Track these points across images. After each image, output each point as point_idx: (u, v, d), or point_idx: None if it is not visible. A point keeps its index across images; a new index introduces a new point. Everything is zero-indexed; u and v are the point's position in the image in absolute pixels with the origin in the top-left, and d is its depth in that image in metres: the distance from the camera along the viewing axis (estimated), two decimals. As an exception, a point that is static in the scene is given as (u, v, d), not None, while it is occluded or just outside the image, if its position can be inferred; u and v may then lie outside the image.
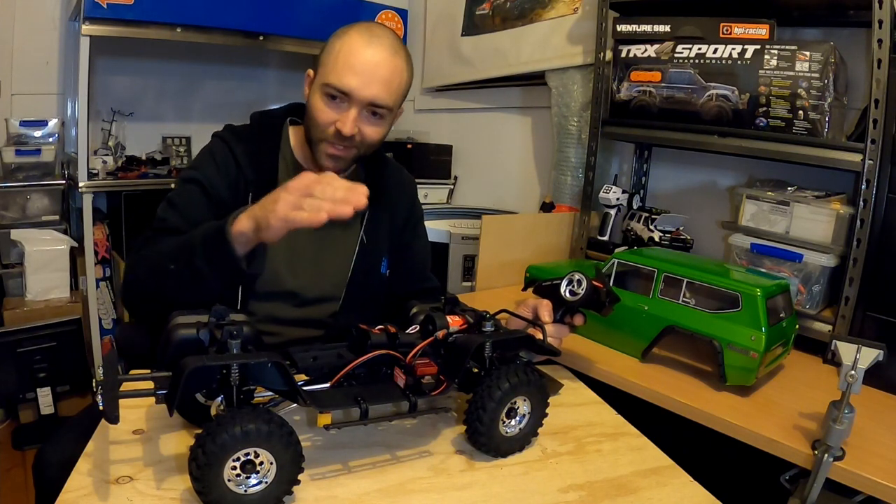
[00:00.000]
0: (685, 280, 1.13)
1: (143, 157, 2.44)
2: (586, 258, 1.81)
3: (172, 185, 2.21)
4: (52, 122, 2.29)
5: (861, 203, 1.23)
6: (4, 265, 2.15)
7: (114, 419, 0.62)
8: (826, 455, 0.83)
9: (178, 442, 0.77)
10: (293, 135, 1.16)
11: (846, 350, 0.82)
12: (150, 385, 0.67)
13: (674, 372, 1.15)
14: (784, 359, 1.17)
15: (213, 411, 0.70)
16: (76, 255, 2.23)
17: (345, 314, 1.14)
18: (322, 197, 0.78)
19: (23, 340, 1.99)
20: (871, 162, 1.21)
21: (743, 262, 1.44)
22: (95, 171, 2.16)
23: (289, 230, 0.80)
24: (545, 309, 0.99)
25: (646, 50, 1.56)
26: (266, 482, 0.64)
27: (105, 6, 1.94)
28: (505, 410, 0.79)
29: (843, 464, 0.85)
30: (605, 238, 1.80)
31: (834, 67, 1.27)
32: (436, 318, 0.84)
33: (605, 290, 0.96)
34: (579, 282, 0.97)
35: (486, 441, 0.79)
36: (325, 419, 0.71)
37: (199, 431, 0.62)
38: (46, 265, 2.13)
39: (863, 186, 1.22)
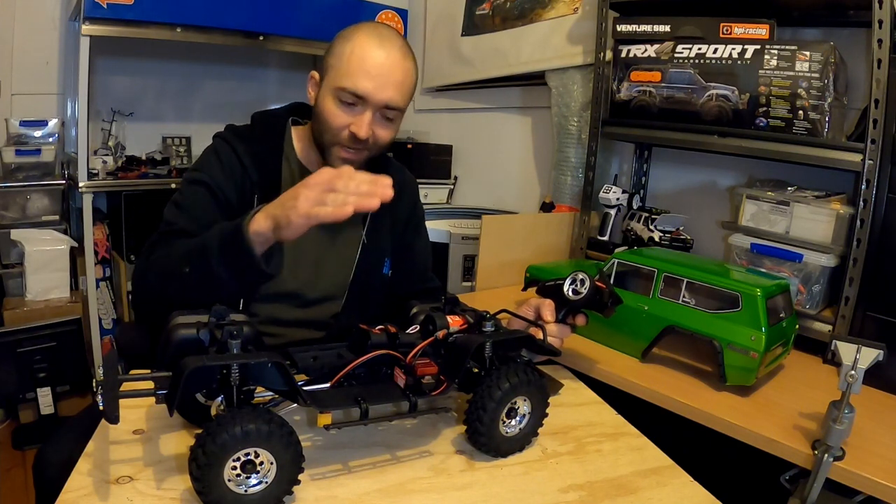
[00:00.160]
0: (685, 280, 1.13)
1: (143, 157, 2.44)
2: (586, 258, 1.81)
3: (173, 185, 2.25)
4: (52, 122, 2.29)
5: (861, 203, 1.23)
6: (4, 265, 2.15)
7: (114, 419, 0.62)
8: (826, 455, 0.83)
9: (178, 442, 0.77)
10: (296, 135, 1.16)
11: (846, 350, 0.82)
12: (150, 385, 0.67)
13: (674, 372, 1.15)
14: (784, 359, 1.17)
15: (213, 411, 0.70)
16: (76, 255, 2.23)
17: (346, 315, 1.14)
18: (345, 191, 0.77)
19: (23, 340, 1.99)
20: (871, 162, 1.21)
21: (743, 262, 1.44)
22: (95, 171, 2.16)
23: (310, 227, 0.79)
24: (547, 308, 0.99)
25: (646, 50, 1.56)
26: (266, 482, 0.64)
27: (105, 6, 1.94)
28: (505, 410, 0.79)
29: (843, 464, 0.85)
30: (605, 238, 1.80)
31: (834, 67, 1.27)
32: (436, 318, 0.84)
33: (607, 290, 0.96)
34: (582, 281, 0.97)
35: (486, 441, 0.79)
36: (325, 419, 0.71)
37: (200, 431, 0.62)
38: (46, 265, 2.13)
39: (863, 186, 1.22)
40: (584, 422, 0.94)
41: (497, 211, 2.30)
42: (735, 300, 1.06)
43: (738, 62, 1.38)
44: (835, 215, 1.31)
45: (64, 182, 2.26)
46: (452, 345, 0.82)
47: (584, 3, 1.99)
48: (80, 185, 2.08)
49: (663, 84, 1.52)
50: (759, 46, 1.35)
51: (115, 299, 2.42)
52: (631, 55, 1.59)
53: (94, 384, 0.65)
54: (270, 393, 0.74)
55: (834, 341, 0.84)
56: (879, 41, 1.19)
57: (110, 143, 2.42)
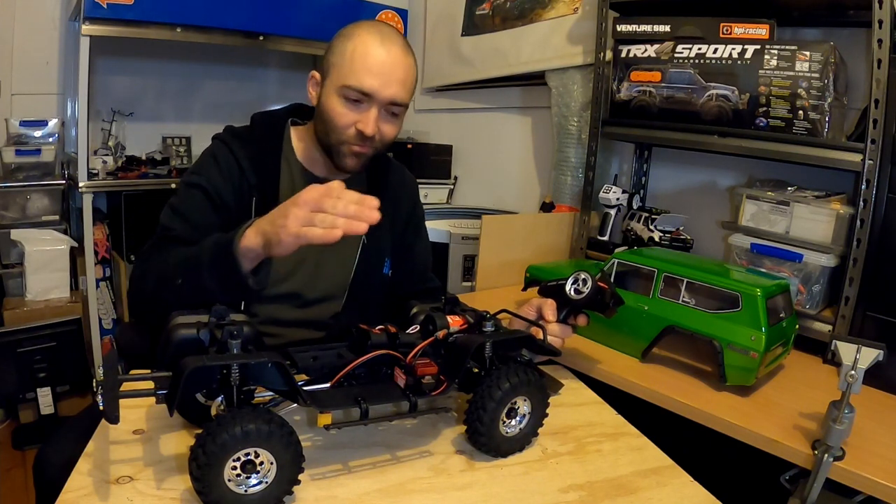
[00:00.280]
0: (685, 280, 1.13)
1: (143, 157, 2.44)
2: (586, 258, 1.81)
3: (173, 185, 2.24)
4: (52, 122, 2.29)
5: (861, 203, 1.23)
6: (4, 265, 2.15)
7: (114, 419, 0.62)
8: (826, 455, 0.83)
9: (178, 442, 0.77)
10: (295, 136, 1.15)
11: (846, 350, 0.82)
12: (150, 385, 0.67)
13: (674, 372, 1.15)
14: (784, 359, 1.17)
15: (213, 411, 0.70)
16: (76, 255, 2.23)
17: (346, 315, 1.14)
18: (333, 212, 0.77)
19: (23, 340, 1.98)
20: (871, 162, 1.21)
21: (743, 262, 1.44)
22: (95, 171, 2.16)
23: (300, 246, 0.79)
24: (549, 308, 0.99)
25: (646, 50, 1.56)
26: (266, 482, 0.64)
27: (105, 6, 1.94)
28: (505, 410, 0.79)
29: (843, 464, 0.85)
30: (605, 238, 1.80)
31: (834, 67, 1.27)
32: (436, 318, 0.84)
33: (609, 291, 0.96)
34: (584, 281, 0.97)
35: (486, 441, 0.79)
36: (325, 419, 0.71)
37: (200, 431, 0.62)
38: (46, 265, 2.13)
39: (863, 186, 1.22)
40: (584, 422, 0.94)
41: (497, 211, 2.30)
42: (735, 300, 1.06)
43: (738, 62, 1.38)
44: (835, 215, 1.31)
45: (64, 182, 2.26)
46: (452, 345, 0.82)
47: (584, 3, 1.99)
48: (80, 185, 2.08)
49: (663, 84, 1.52)
50: (759, 46, 1.35)
51: (115, 299, 2.42)
52: (631, 55, 1.59)
53: (94, 384, 0.65)
54: (270, 393, 0.74)
55: (834, 341, 0.84)
56: (879, 41, 1.19)
57: (110, 143, 2.42)
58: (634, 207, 1.77)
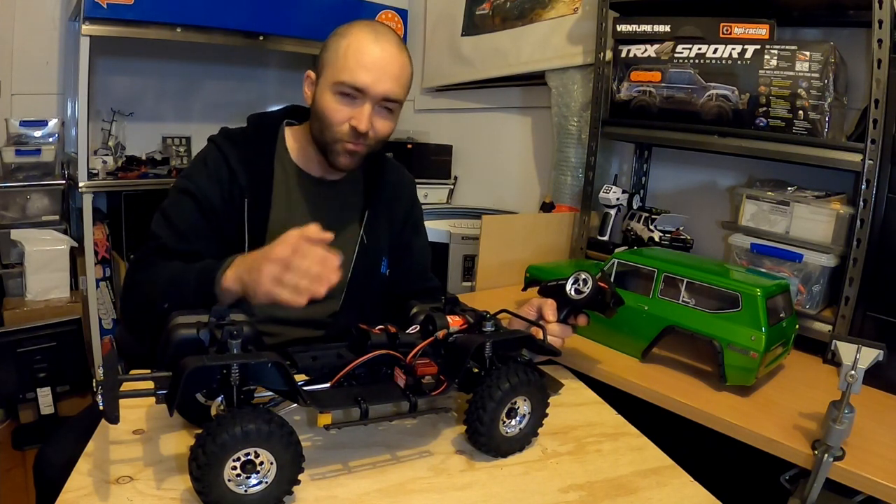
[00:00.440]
0: (685, 280, 1.13)
1: (143, 157, 2.44)
2: (586, 258, 1.81)
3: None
4: (52, 122, 2.29)
5: (861, 203, 1.23)
6: (4, 265, 2.15)
7: (114, 419, 0.62)
8: (826, 455, 0.83)
9: (178, 442, 0.77)
10: (290, 136, 1.15)
11: (846, 350, 0.82)
12: (150, 385, 0.67)
13: (674, 372, 1.15)
14: (784, 359, 1.17)
15: (213, 411, 0.70)
16: (76, 255, 2.23)
17: (345, 314, 1.14)
18: (298, 271, 0.81)
19: (23, 340, 1.99)
20: (871, 162, 1.21)
21: (743, 262, 1.44)
22: (95, 171, 2.16)
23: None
24: (549, 308, 0.99)
25: (646, 50, 1.56)
26: (266, 482, 0.64)
27: (105, 6, 1.94)
28: (505, 410, 0.79)
29: (843, 464, 0.85)
30: (605, 238, 1.80)
31: (834, 67, 1.27)
32: (436, 318, 0.84)
33: (610, 291, 0.96)
34: (585, 281, 0.97)
35: (486, 441, 0.79)
36: (325, 419, 0.71)
37: (200, 431, 0.62)
38: (46, 265, 2.13)
39: (863, 186, 1.22)
40: (584, 422, 0.94)
41: (497, 211, 2.30)
42: (735, 300, 1.06)
43: (738, 62, 1.38)
44: (835, 215, 1.31)
45: (64, 182, 2.26)
46: (452, 345, 0.82)
47: (584, 3, 1.99)
48: (80, 185, 2.08)
49: (663, 84, 1.52)
50: (759, 46, 1.35)
51: (115, 299, 2.42)
52: (631, 55, 1.59)
53: (94, 384, 0.65)
54: (270, 393, 0.74)
55: (834, 341, 0.84)
56: (879, 41, 1.19)
57: (110, 143, 2.42)
58: (634, 207, 1.77)
